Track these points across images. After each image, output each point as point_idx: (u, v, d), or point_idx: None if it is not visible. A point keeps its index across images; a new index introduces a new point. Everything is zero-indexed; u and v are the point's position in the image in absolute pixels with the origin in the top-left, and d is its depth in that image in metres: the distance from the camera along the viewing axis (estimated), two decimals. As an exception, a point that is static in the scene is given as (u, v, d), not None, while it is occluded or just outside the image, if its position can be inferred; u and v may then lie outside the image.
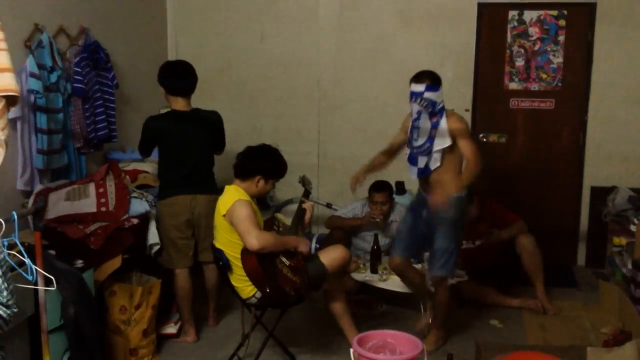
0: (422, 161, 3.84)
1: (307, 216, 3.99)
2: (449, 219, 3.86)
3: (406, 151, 3.98)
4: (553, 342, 4.33)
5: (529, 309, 4.83)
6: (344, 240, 5.08)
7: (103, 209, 4.01)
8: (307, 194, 4.11)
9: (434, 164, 3.83)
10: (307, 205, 4.00)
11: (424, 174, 3.88)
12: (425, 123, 3.75)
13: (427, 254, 4.36)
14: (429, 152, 3.80)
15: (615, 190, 5.34)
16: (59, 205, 3.94)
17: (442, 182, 3.82)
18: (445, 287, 4.06)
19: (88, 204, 4.01)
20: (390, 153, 4.13)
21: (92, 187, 4.11)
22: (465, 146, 3.80)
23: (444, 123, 3.75)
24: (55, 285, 2.92)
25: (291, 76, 6.12)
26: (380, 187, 5.10)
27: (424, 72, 3.82)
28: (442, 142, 3.79)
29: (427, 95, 3.71)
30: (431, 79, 3.75)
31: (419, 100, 3.72)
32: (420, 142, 3.79)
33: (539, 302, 4.83)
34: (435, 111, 3.75)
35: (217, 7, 6.14)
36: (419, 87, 3.73)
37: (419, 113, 3.74)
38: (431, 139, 3.76)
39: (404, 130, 4.02)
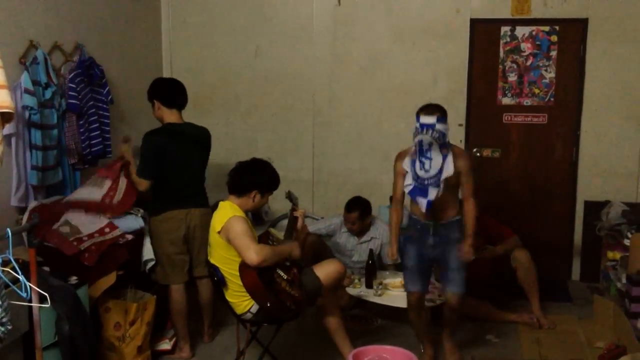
0: (432, 193, 3.81)
1: (300, 223, 4.01)
2: (456, 240, 3.96)
3: (408, 185, 3.92)
4: (548, 356, 4.33)
5: (524, 323, 4.83)
6: (318, 243, 5.10)
7: (107, 200, 4.12)
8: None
9: (441, 192, 3.85)
10: (298, 212, 4.03)
11: (429, 207, 3.85)
12: (437, 155, 3.76)
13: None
14: (438, 184, 3.80)
15: (609, 204, 5.36)
16: (80, 190, 4.19)
17: (444, 206, 3.91)
18: (461, 302, 4.12)
19: (97, 193, 4.15)
20: (402, 202, 4.10)
21: (107, 182, 4.22)
22: (468, 185, 3.92)
23: (450, 157, 3.80)
24: (49, 302, 2.92)
25: (286, 92, 6.14)
26: (350, 207, 5.16)
27: (432, 104, 3.86)
28: (447, 173, 3.82)
29: (438, 127, 3.72)
30: (441, 111, 3.79)
31: (430, 132, 3.71)
32: (431, 173, 3.77)
33: (534, 317, 4.84)
34: (445, 142, 3.78)
35: (211, 23, 6.17)
36: (431, 119, 3.73)
37: (430, 145, 3.74)
38: (441, 171, 3.78)
39: (400, 176, 3.99)
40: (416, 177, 3.83)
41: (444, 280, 4.11)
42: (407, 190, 3.93)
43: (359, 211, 5.12)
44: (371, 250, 5.04)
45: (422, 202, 3.84)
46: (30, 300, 2.91)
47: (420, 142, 3.76)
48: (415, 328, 4.26)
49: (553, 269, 5.78)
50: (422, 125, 3.74)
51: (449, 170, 3.78)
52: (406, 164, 3.90)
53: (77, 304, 3.42)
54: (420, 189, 3.84)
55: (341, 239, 5.25)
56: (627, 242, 4.68)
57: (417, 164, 3.81)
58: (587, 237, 5.74)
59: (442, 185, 3.80)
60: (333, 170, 6.14)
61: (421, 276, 4.09)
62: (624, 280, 4.59)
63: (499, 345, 4.55)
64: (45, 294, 2.87)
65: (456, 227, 3.97)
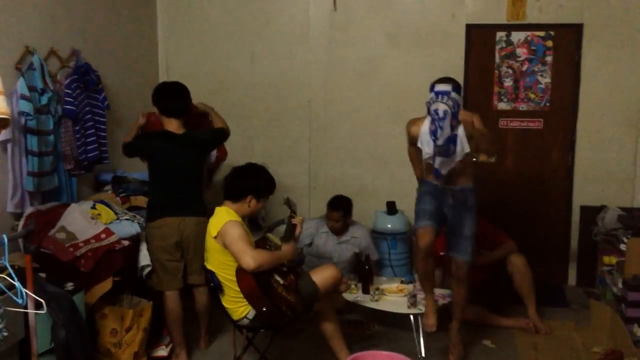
0: (437, 161, 3.88)
1: (298, 231, 4.01)
2: (473, 207, 4.06)
3: (426, 153, 3.94)
4: (545, 361, 4.33)
5: (520, 328, 4.83)
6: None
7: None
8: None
9: (449, 166, 3.91)
10: (297, 220, 4.02)
11: (437, 176, 3.96)
12: (447, 124, 3.74)
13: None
14: (447, 153, 3.82)
15: (605, 209, 5.37)
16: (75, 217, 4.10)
17: (459, 172, 3.99)
18: (469, 273, 4.15)
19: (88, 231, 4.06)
20: (419, 157, 4.11)
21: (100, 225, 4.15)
22: (482, 127, 3.93)
23: (462, 132, 3.83)
24: (45, 308, 2.91)
25: (282, 97, 6.15)
26: (335, 205, 5.21)
27: (447, 77, 3.92)
28: (461, 151, 3.86)
29: (453, 95, 3.75)
30: (455, 82, 3.85)
31: (446, 98, 3.72)
32: (441, 141, 3.77)
33: (530, 322, 4.84)
34: (457, 113, 3.78)
35: (207, 28, 6.18)
36: (446, 87, 3.76)
37: (445, 113, 3.72)
38: (450, 139, 3.78)
39: (412, 142, 4.07)
40: (432, 147, 3.84)
41: (452, 247, 4.14)
42: (425, 157, 3.94)
43: (343, 209, 5.18)
44: (367, 256, 5.04)
45: (434, 172, 3.95)
46: (26, 307, 2.91)
47: (436, 111, 3.74)
48: (420, 276, 4.27)
49: (549, 273, 5.79)
50: (438, 93, 3.76)
51: (464, 148, 3.83)
52: (417, 126, 3.94)
53: (73, 310, 3.41)
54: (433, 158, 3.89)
55: (320, 240, 5.27)
56: (623, 247, 4.69)
57: (433, 134, 3.80)
58: (583, 241, 5.76)
59: (458, 157, 3.84)
60: (329, 175, 6.15)
61: (435, 217, 4.08)
62: (620, 285, 4.59)
63: (495, 350, 4.54)
64: (41, 300, 2.87)
65: (471, 195, 4.07)
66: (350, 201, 5.31)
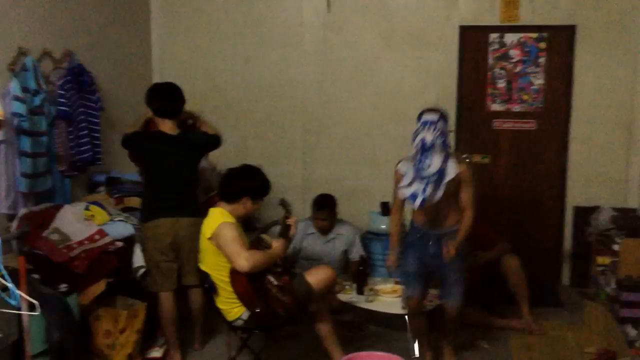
0: (428, 190, 3.81)
1: (292, 231, 4.01)
2: (460, 254, 3.95)
3: (404, 187, 3.91)
4: (539, 362, 4.35)
5: (514, 329, 4.84)
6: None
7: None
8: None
9: (436, 197, 3.83)
10: (291, 220, 4.02)
11: (422, 206, 3.85)
12: (438, 155, 3.77)
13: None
14: (438, 183, 3.80)
15: (598, 210, 5.38)
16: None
17: (445, 215, 3.93)
18: (459, 313, 4.12)
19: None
20: (401, 211, 4.12)
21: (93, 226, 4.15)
22: (467, 194, 3.92)
23: (452, 163, 3.82)
24: (39, 309, 2.90)
25: (276, 98, 6.15)
26: (323, 204, 5.21)
27: (434, 107, 3.95)
28: (449, 176, 3.83)
29: (440, 125, 3.79)
30: (442, 112, 3.88)
31: (433, 128, 3.77)
32: (431, 170, 3.77)
33: (524, 322, 4.85)
34: (445, 144, 3.82)
35: (202, 29, 6.17)
36: (433, 116, 3.81)
37: (432, 143, 3.76)
38: (441, 170, 3.79)
39: (399, 181, 3.98)
40: (418, 176, 3.81)
41: (443, 292, 4.11)
42: (402, 191, 3.90)
43: (330, 206, 5.20)
44: (362, 257, 5.05)
45: (417, 200, 3.82)
46: (19, 308, 2.90)
47: (423, 140, 3.78)
48: (415, 334, 4.24)
49: (543, 274, 5.79)
50: (425, 122, 3.80)
51: (451, 173, 3.80)
52: (403, 165, 3.91)
53: (67, 312, 3.40)
54: (417, 189, 3.82)
55: (307, 242, 5.26)
56: (616, 247, 4.70)
57: (419, 163, 3.80)
58: (576, 242, 5.78)
59: (441, 190, 3.80)
60: (323, 176, 6.14)
61: (421, 282, 4.08)
62: (613, 285, 4.60)
63: (489, 350, 4.55)
64: (35, 302, 2.86)
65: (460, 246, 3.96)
66: (334, 198, 5.30)
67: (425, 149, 3.78)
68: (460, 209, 3.95)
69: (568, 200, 5.85)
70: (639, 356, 3.80)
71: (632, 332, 4.18)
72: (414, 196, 3.83)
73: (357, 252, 5.27)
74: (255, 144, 6.19)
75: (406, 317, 4.24)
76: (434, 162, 3.77)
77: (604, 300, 4.86)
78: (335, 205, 5.28)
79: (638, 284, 4.23)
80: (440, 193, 3.82)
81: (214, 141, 4.49)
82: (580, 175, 5.79)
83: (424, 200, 3.81)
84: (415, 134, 3.83)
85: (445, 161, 3.80)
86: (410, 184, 3.86)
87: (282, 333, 4.55)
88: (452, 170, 3.81)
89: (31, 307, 2.92)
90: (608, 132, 5.71)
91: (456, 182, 3.86)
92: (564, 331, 4.83)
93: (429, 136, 3.77)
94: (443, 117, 3.84)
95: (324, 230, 5.25)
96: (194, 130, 4.48)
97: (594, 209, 5.47)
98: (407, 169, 3.89)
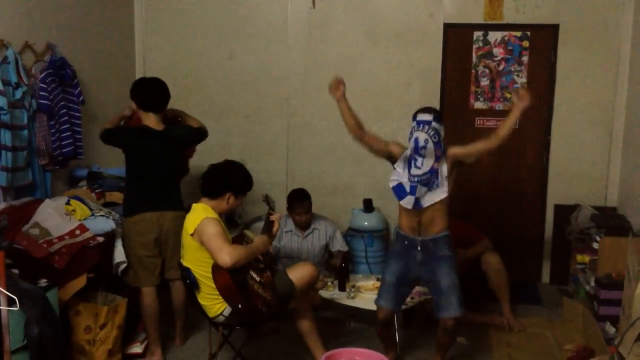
0: (421, 191, 3.81)
1: (275, 227, 4.00)
2: (447, 256, 3.89)
3: (393, 180, 3.92)
4: (518, 358, 4.39)
5: (494, 325, 4.88)
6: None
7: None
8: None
9: (429, 201, 3.83)
10: (275, 217, 4.02)
11: (418, 207, 3.84)
12: (430, 154, 3.78)
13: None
14: (429, 184, 3.81)
15: (578, 208, 5.44)
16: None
17: (432, 220, 3.87)
18: (456, 327, 3.96)
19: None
20: (361, 127, 3.98)
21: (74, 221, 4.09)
22: (479, 142, 3.91)
23: (444, 166, 3.83)
24: (18, 304, 2.88)
25: (260, 94, 6.13)
26: (301, 197, 5.18)
27: (429, 106, 3.98)
28: (441, 192, 3.83)
29: (434, 124, 3.80)
30: (437, 112, 3.90)
31: (426, 128, 3.79)
32: (423, 170, 3.78)
33: (504, 319, 4.89)
34: (439, 142, 3.81)
35: (185, 24, 6.14)
36: (428, 117, 3.82)
37: (426, 141, 3.78)
38: (434, 171, 3.79)
39: (390, 145, 3.97)
40: (409, 176, 3.82)
41: (437, 304, 3.93)
42: (391, 185, 3.92)
43: (309, 198, 5.18)
44: (344, 253, 5.06)
45: (410, 201, 3.82)
46: (-2, 304, 2.88)
47: (417, 140, 3.80)
48: (383, 341, 4.20)
49: (523, 271, 5.85)
50: (419, 122, 3.83)
51: (442, 172, 3.81)
52: (401, 159, 3.88)
53: (47, 307, 3.38)
54: (411, 186, 3.82)
55: (286, 240, 5.25)
56: (595, 245, 4.75)
57: (410, 163, 3.82)
58: (557, 240, 5.83)
59: (432, 193, 3.80)
60: (307, 172, 6.15)
61: (397, 294, 3.99)
62: (592, 283, 4.65)
63: (469, 347, 4.58)
64: (14, 297, 2.84)
65: (444, 243, 3.90)
66: (309, 193, 5.27)
67: (418, 149, 3.79)
68: (446, 215, 3.90)
69: (549, 198, 5.90)
70: (616, 353, 3.84)
71: (610, 329, 4.22)
72: (406, 197, 3.83)
73: (339, 246, 5.26)
74: (238, 139, 6.18)
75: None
76: (426, 162, 3.78)
77: (583, 298, 4.92)
78: (310, 199, 5.28)
79: (617, 282, 4.27)
80: (432, 199, 3.81)
81: (200, 134, 4.49)
82: (561, 173, 5.85)
83: (417, 201, 3.81)
84: (410, 134, 3.85)
85: (438, 161, 3.80)
86: (397, 181, 3.88)
87: (264, 329, 4.56)
88: (445, 167, 3.82)
89: (10, 302, 2.90)
90: (589, 131, 5.76)
91: (456, 170, 3.88)
92: (544, 328, 4.88)
93: (422, 136, 3.79)
94: (437, 117, 3.84)
95: (304, 225, 5.23)
96: (178, 124, 4.48)
97: (574, 207, 5.53)
98: (401, 164, 3.89)
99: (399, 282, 3.96)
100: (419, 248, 3.90)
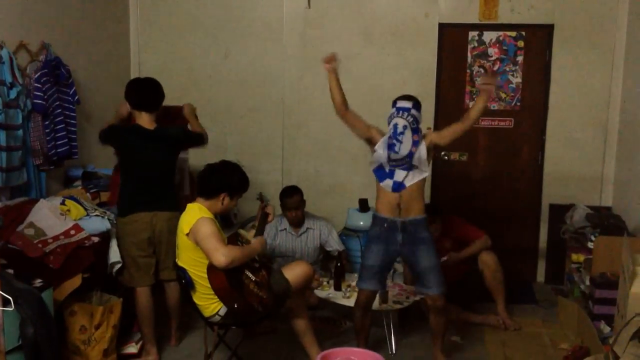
0: (400, 174, 3.95)
1: (270, 218, 4.02)
2: (428, 237, 4.01)
3: (374, 162, 4.03)
4: (513, 358, 4.39)
5: (490, 325, 4.89)
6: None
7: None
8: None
9: (410, 181, 3.95)
10: (269, 209, 4.04)
11: (398, 189, 3.95)
12: (408, 139, 3.91)
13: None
14: (408, 167, 3.94)
15: (573, 207, 5.44)
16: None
17: (411, 203, 3.96)
18: (446, 304, 4.07)
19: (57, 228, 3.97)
20: (346, 105, 4.07)
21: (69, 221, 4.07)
22: (451, 126, 4.04)
23: (423, 149, 3.94)
24: (13, 305, 2.87)
25: (255, 94, 6.13)
26: (291, 192, 5.22)
27: (408, 94, 4.07)
28: (419, 172, 3.96)
29: (413, 112, 3.94)
30: (416, 100, 4.02)
31: (405, 114, 3.93)
32: (401, 154, 3.90)
33: (500, 319, 4.90)
34: (417, 129, 3.96)
35: (181, 24, 6.14)
36: (407, 104, 3.96)
37: (404, 128, 3.91)
38: (412, 154, 3.92)
39: (371, 129, 4.05)
40: (388, 159, 3.95)
41: (421, 283, 4.03)
42: (371, 167, 4.05)
43: (300, 194, 5.20)
44: (339, 253, 5.06)
45: (389, 184, 3.97)
46: (-7, 304, 2.87)
47: (395, 125, 3.92)
48: (357, 326, 4.21)
49: (519, 271, 5.85)
50: (399, 109, 3.97)
51: (421, 155, 3.92)
52: (380, 143, 3.98)
53: (42, 307, 3.36)
54: (390, 170, 3.97)
55: (280, 239, 5.26)
56: (590, 245, 4.76)
57: (389, 147, 3.94)
58: (552, 239, 5.84)
59: (411, 174, 3.92)
60: (303, 172, 6.15)
61: (378, 276, 4.07)
62: (587, 283, 4.66)
63: (464, 346, 4.59)
64: (9, 297, 2.83)
65: (423, 226, 4.01)
66: (299, 188, 5.29)
67: (396, 134, 3.91)
68: (423, 199, 4.04)
69: (544, 197, 5.92)
70: (611, 352, 3.85)
71: (605, 328, 4.23)
72: (385, 180, 3.96)
73: (336, 246, 5.27)
74: (234, 139, 6.17)
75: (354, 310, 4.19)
76: (403, 147, 3.90)
77: (578, 297, 4.93)
78: (303, 195, 5.28)
79: (611, 281, 4.29)
80: (411, 180, 3.93)
81: (196, 138, 4.49)
82: (556, 173, 5.86)
83: (397, 184, 3.93)
84: (389, 119, 3.98)
85: (416, 145, 3.92)
86: (377, 163, 4.00)
87: (259, 329, 4.56)
88: (423, 151, 3.93)
89: (5, 302, 2.89)
90: (584, 131, 5.78)
91: (433, 153, 4.05)
92: (539, 328, 4.89)
93: (401, 122, 3.92)
94: (416, 104, 3.97)
95: (297, 222, 5.23)
96: (173, 125, 4.48)
97: (569, 207, 5.53)
98: (381, 145, 3.98)
99: (380, 266, 4.06)
100: (399, 229, 3.98)
